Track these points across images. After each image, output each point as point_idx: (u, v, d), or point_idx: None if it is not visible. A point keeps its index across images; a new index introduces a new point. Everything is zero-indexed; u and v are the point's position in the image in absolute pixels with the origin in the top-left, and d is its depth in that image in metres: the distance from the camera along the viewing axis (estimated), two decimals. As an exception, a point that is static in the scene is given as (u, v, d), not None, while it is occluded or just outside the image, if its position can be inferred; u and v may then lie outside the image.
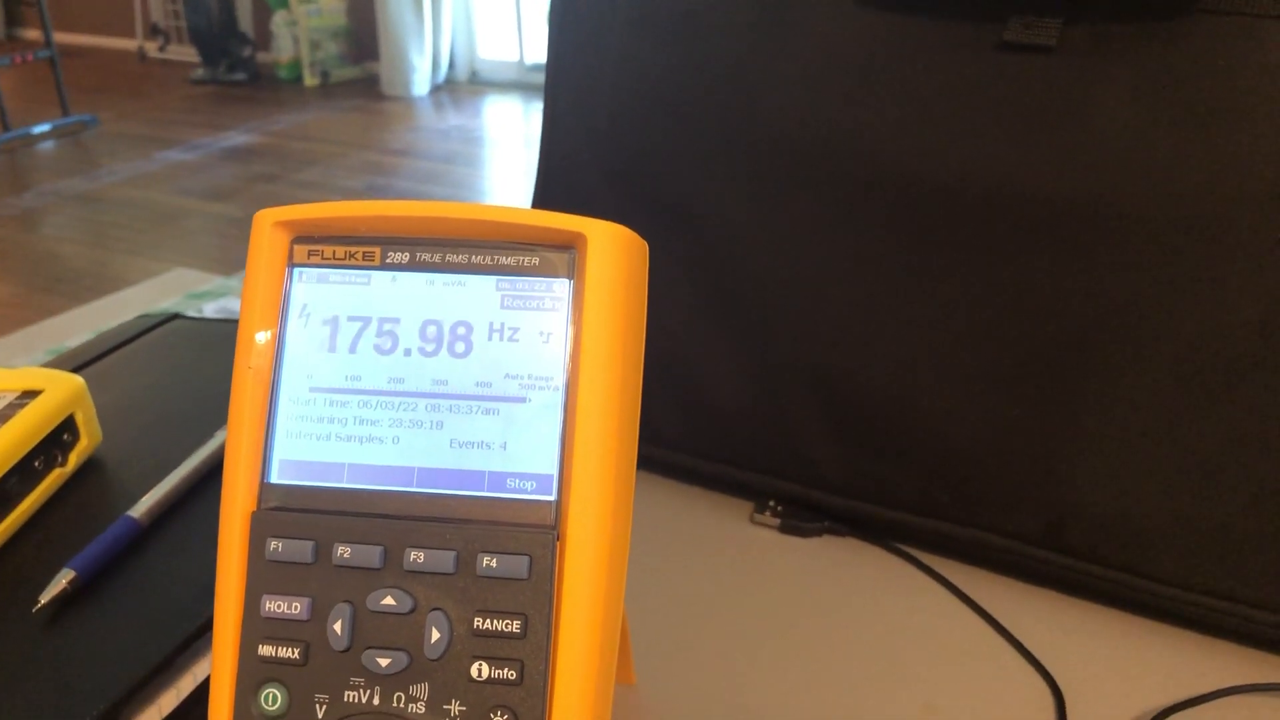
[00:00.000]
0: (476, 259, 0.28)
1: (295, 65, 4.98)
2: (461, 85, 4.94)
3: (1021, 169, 0.42)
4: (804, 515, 0.51)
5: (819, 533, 0.50)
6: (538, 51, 4.84)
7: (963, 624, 0.45)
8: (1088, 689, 0.41)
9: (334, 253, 0.28)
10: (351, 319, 0.28)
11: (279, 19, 4.90)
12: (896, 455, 0.47)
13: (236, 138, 4.03)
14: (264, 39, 5.14)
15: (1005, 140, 0.42)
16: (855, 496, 0.49)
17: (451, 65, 4.96)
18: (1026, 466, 0.44)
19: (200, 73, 5.05)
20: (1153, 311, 0.41)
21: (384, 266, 0.28)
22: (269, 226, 0.28)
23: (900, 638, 0.44)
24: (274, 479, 0.27)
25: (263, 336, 0.28)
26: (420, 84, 4.73)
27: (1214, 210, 0.39)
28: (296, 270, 0.28)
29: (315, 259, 0.28)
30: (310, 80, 4.93)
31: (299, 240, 0.28)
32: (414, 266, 0.28)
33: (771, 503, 0.51)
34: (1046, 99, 0.41)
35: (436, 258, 0.28)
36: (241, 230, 3.03)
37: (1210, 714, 0.40)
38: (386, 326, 0.28)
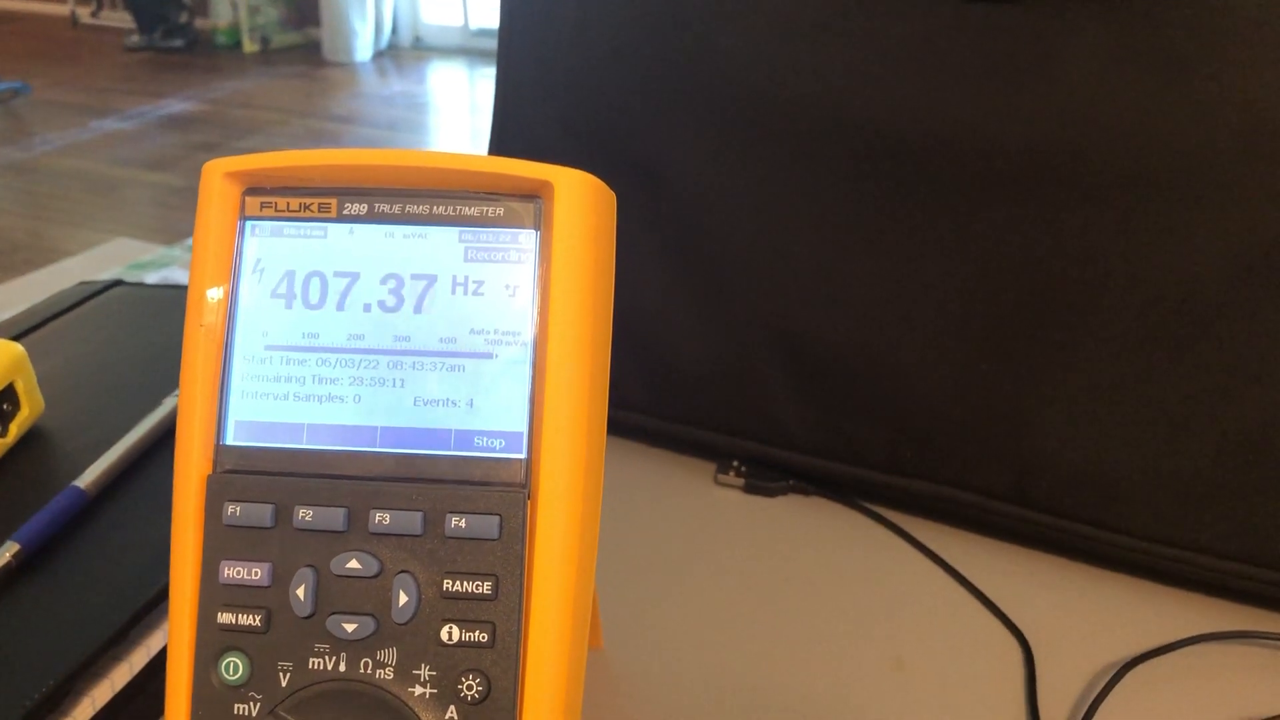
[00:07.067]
0: (438, 210, 0.27)
1: (234, 31, 4.87)
2: (405, 51, 4.87)
3: (987, 120, 0.41)
4: (768, 475, 0.50)
5: (784, 492, 0.50)
6: (482, 16, 4.78)
7: (930, 580, 0.45)
8: (1055, 642, 0.41)
9: (288, 204, 0.27)
10: (308, 274, 0.27)
11: (216, -17, 4.79)
12: (862, 411, 0.47)
13: (175, 105, 3.94)
14: (201, 4, 5.01)
15: (971, 92, 0.42)
16: (821, 454, 0.48)
17: (394, 30, 4.88)
18: (993, 421, 0.44)
19: (135, 39, 4.91)
20: (1119, 262, 0.41)
21: (341, 218, 0.27)
22: (219, 177, 0.27)
23: (867, 595, 0.44)
24: (230, 441, 0.26)
25: (215, 293, 0.27)
26: (363, 50, 4.65)
27: (1180, 161, 0.39)
28: (249, 223, 0.27)
29: (268, 211, 0.27)
30: (250, 46, 4.83)
31: (251, 192, 0.27)
32: (372, 218, 0.27)
33: (735, 463, 0.51)
34: (1012, 49, 0.41)
35: (396, 209, 0.27)
36: (183, 200, 2.96)
37: (1176, 662, 0.40)
38: (344, 281, 0.27)
